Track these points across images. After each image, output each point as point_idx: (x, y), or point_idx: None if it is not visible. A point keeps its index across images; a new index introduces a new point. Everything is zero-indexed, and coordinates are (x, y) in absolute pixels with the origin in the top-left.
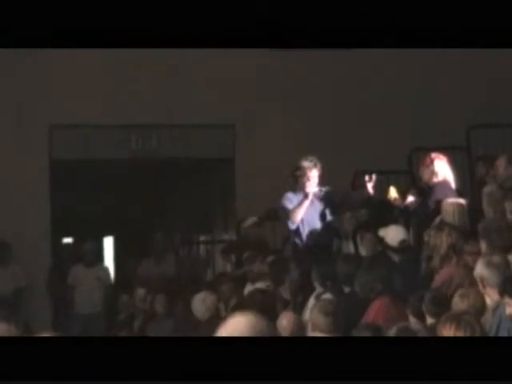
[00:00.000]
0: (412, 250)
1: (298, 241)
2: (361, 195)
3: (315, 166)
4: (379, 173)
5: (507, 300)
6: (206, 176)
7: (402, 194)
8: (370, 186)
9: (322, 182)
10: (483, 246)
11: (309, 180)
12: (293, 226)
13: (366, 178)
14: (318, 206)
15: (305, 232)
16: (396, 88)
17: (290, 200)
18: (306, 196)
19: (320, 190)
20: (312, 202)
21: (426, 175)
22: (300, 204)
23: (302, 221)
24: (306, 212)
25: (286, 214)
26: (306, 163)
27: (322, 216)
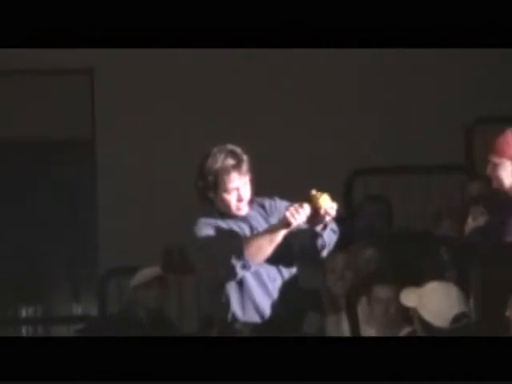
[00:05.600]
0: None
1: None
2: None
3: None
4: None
5: None
6: None
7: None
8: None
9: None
10: None
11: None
12: (242, 273)
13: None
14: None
15: (259, 296)
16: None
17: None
18: (287, 225)
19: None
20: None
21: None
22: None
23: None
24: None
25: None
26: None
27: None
